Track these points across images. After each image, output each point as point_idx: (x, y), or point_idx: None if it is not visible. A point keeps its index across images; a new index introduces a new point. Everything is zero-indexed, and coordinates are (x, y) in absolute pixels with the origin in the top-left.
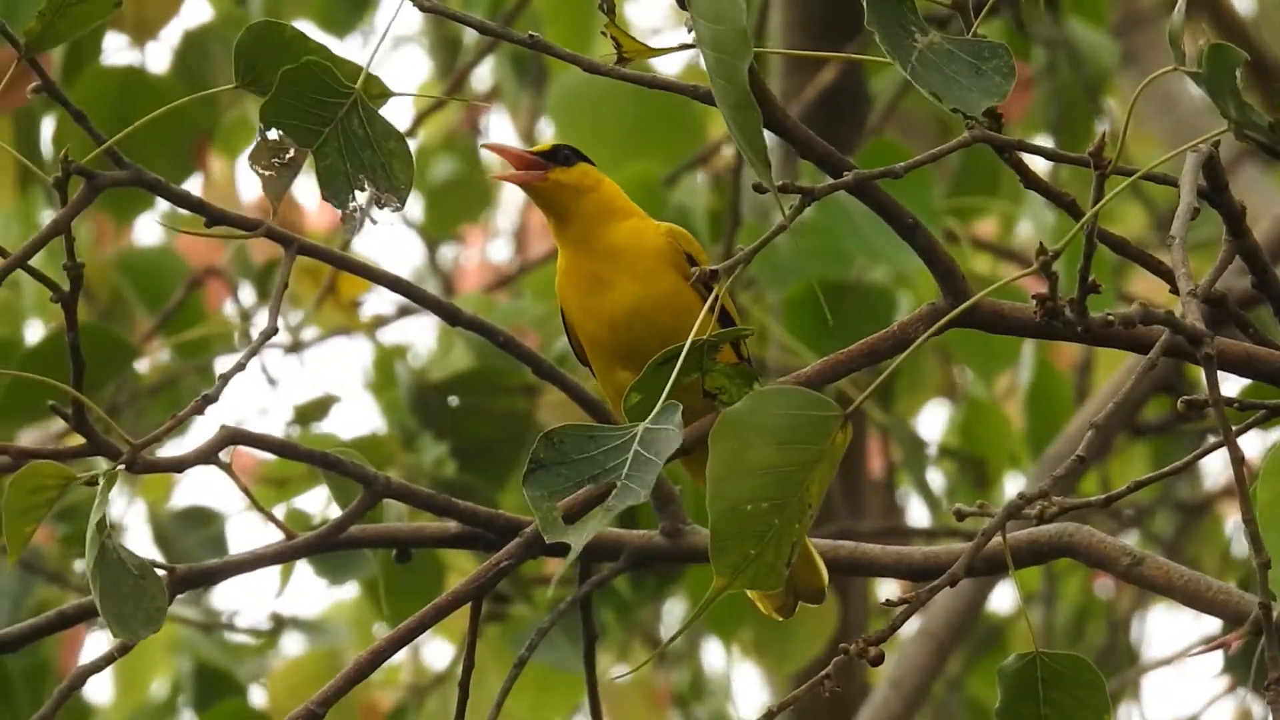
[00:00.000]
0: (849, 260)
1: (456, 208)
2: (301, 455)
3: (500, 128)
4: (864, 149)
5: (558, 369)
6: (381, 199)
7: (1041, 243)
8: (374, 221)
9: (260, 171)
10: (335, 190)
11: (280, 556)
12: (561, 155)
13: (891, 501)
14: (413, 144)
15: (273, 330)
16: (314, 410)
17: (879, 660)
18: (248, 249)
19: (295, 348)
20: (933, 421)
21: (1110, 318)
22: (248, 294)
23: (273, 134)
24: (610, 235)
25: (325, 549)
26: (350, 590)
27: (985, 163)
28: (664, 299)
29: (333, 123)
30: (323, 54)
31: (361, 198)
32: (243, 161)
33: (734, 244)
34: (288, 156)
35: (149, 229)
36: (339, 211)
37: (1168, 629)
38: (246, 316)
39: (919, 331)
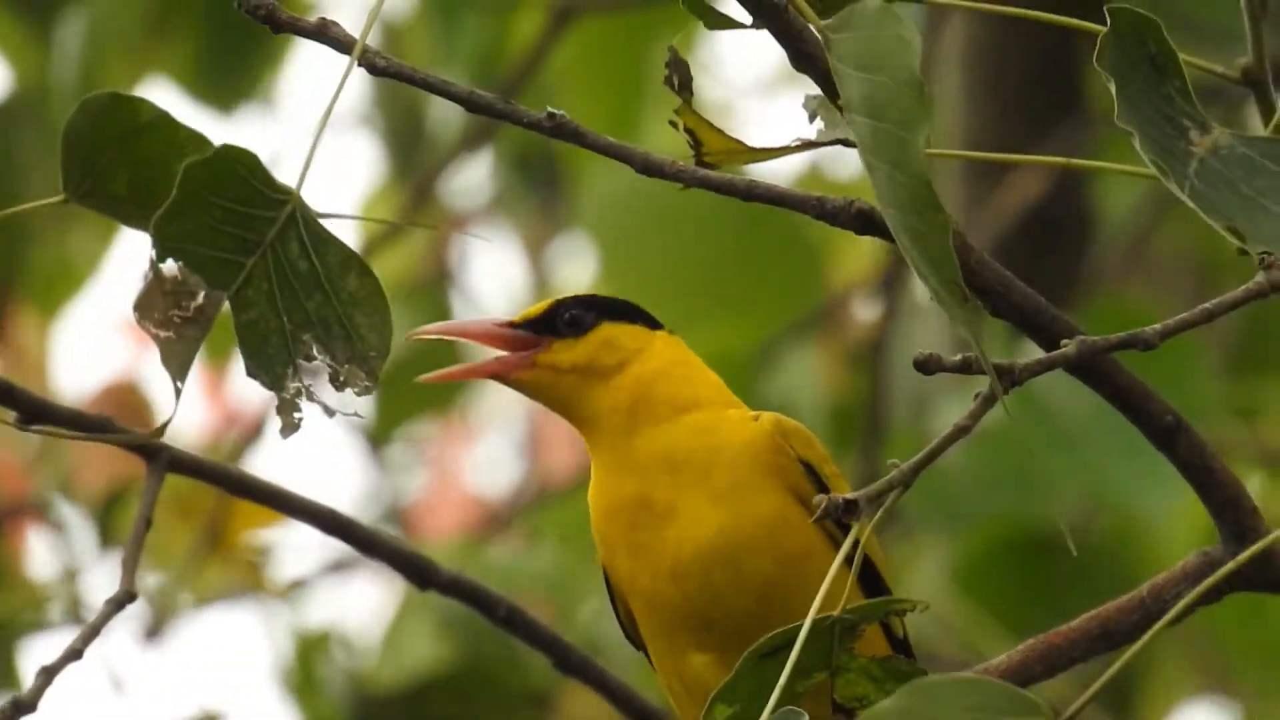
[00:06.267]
0: (1056, 489)
1: (418, 393)
2: None
3: (493, 260)
4: (1088, 305)
5: (592, 660)
6: (341, 373)
7: None
8: (329, 412)
9: (153, 331)
10: (265, 360)
11: None
12: (564, 319)
13: None
14: None
15: (127, 596)
16: None
17: None
18: (78, 467)
19: (158, 627)
20: None
21: None
22: (81, 539)
23: (170, 267)
24: (663, 435)
25: None
26: None
27: None
28: (763, 532)
29: (261, 248)
30: (204, 144)
31: (307, 371)
32: (70, 325)
33: (876, 454)
34: (193, 305)
35: None
36: (272, 395)
37: None
38: (74, 575)
39: (1178, 598)
